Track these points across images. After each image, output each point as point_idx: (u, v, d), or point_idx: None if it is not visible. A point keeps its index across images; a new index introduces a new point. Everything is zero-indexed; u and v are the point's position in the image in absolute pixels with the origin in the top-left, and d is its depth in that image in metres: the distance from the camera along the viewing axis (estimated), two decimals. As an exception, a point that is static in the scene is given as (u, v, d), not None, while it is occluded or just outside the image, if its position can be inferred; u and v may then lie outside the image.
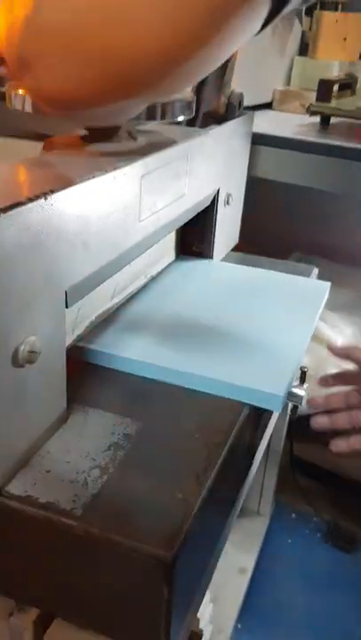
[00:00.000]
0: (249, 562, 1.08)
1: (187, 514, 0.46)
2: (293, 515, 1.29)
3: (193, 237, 0.88)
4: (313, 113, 1.00)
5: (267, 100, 1.25)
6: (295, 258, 1.43)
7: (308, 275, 0.92)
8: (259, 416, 0.66)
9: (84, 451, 0.51)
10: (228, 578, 1.03)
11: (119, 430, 0.54)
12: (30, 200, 0.42)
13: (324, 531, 1.24)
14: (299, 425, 1.14)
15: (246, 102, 1.04)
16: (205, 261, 0.88)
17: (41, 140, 0.66)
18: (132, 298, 0.74)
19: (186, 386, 0.60)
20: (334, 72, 1.21)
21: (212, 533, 0.57)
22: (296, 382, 0.67)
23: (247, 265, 0.90)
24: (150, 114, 0.58)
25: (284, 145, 0.98)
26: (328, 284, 0.84)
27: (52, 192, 0.45)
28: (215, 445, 0.53)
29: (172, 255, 0.87)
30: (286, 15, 0.40)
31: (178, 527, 0.44)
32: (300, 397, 0.68)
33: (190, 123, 0.79)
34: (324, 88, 0.96)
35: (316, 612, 1.07)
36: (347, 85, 1.03)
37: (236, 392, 0.59)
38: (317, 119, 1.04)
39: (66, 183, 0.47)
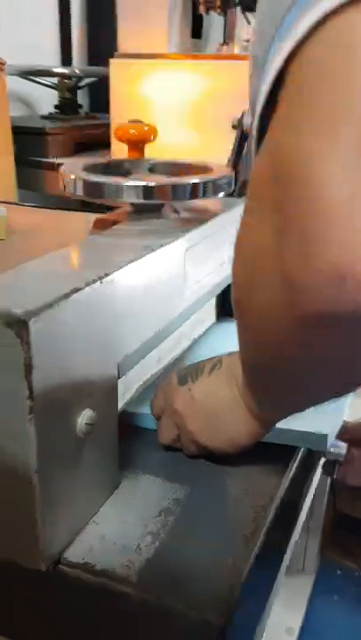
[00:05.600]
0: (296, 621, 1.07)
1: (237, 580, 0.47)
2: (339, 571, 1.27)
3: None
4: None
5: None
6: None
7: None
8: (303, 476, 0.67)
9: (136, 516, 0.53)
10: (276, 638, 1.02)
11: (169, 495, 0.56)
12: (87, 284, 0.46)
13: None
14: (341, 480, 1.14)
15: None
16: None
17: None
18: (177, 361, 0.77)
19: None
20: None
21: (262, 592, 0.59)
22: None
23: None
24: (194, 192, 0.62)
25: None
26: None
27: (107, 275, 0.48)
28: (261, 508, 0.55)
29: (212, 317, 0.90)
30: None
31: (229, 593, 0.46)
32: (341, 454, 0.69)
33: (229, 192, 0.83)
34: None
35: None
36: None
37: (284, 436, 0.60)
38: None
39: (117, 264, 0.51)
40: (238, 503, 0.55)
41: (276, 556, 0.64)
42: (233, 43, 1.27)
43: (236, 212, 0.75)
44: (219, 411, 0.56)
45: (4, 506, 0.47)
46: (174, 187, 0.61)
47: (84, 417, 0.48)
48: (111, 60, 1.34)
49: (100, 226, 0.66)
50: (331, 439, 0.61)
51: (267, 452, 0.61)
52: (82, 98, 1.66)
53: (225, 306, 0.92)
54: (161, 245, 0.57)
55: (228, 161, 0.88)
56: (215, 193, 0.63)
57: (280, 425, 0.58)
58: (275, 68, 0.33)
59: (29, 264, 0.50)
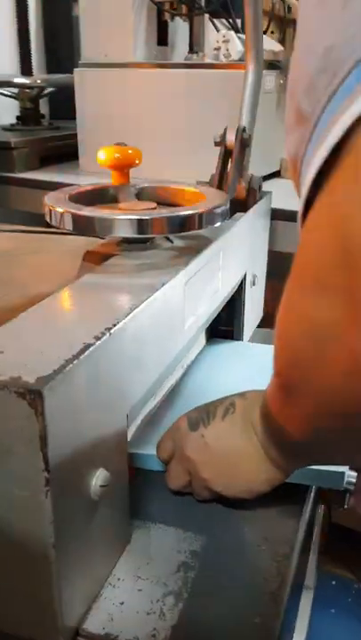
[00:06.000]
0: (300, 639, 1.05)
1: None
2: (334, 582, 1.26)
3: (221, 319, 0.89)
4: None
5: (275, 168, 1.27)
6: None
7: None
8: (314, 508, 0.65)
9: (153, 575, 0.50)
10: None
11: (185, 547, 0.53)
12: (97, 338, 0.43)
13: (366, 597, 1.21)
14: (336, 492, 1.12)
15: (259, 173, 1.05)
16: (236, 344, 0.88)
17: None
18: (171, 393, 0.73)
19: None
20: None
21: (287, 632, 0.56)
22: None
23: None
24: (190, 225, 0.59)
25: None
26: None
27: (114, 325, 0.45)
28: (283, 557, 0.52)
29: (202, 341, 0.87)
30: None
31: (263, 658, 0.44)
32: (352, 483, 0.67)
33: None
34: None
35: None
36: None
37: (300, 475, 0.58)
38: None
39: (123, 311, 0.47)
40: (259, 553, 0.53)
41: (297, 590, 0.61)
42: (203, 52, 1.24)
43: (228, 237, 0.72)
44: (236, 458, 0.53)
45: (18, 581, 0.43)
46: (169, 219, 0.58)
47: (98, 478, 0.45)
48: (75, 70, 1.29)
49: (92, 260, 0.63)
50: (346, 475, 0.59)
51: (279, 491, 0.59)
52: (41, 105, 1.60)
53: (213, 329, 0.89)
54: (163, 284, 0.54)
55: (212, 178, 0.85)
56: (211, 223, 0.60)
57: None
58: (336, 134, 0.30)
59: (29, 314, 0.47)
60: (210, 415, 0.56)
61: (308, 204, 0.34)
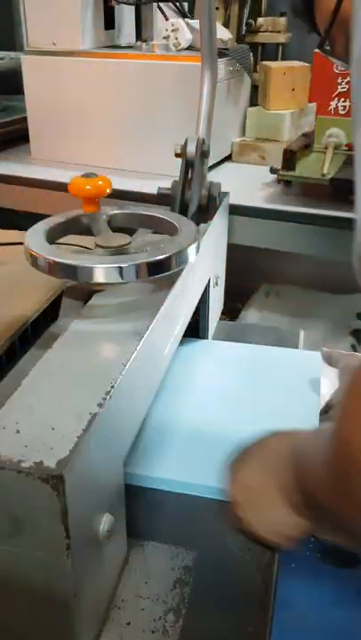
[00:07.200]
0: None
1: (261, 647, 0.52)
2: (293, 538, 1.36)
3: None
4: (280, 180, 1.06)
5: (227, 153, 1.30)
6: (265, 290, 1.50)
7: (296, 339, 0.98)
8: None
9: (153, 593, 0.57)
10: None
11: (178, 564, 0.60)
12: (100, 405, 0.47)
13: (322, 550, 1.32)
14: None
15: (211, 160, 1.08)
16: (204, 344, 0.93)
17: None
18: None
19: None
20: (287, 122, 1.28)
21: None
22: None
23: (237, 338, 0.96)
24: (168, 266, 0.62)
25: (256, 214, 1.04)
26: (318, 354, 0.90)
27: (113, 387, 0.49)
28: (266, 566, 0.60)
29: (172, 343, 0.92)
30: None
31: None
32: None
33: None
34: (289, 157, 1.02)
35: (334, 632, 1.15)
36: (306, 146, 1.09)
37: None
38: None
39: (117, 368, 0.51)
40: (244, 564, 0.60)
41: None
42: (152, 39, 1.23)
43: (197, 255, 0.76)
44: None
45: (40, 627, 0.49)
46: (149, 265, 0.60)
47: (105, 524, 0.50)
48: (24, 57, 1.27)
49: (74, 296, 0.66)
50: None
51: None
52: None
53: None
54: (147, 328, 0.58)
55: (174, 186, 0.88)
56: (187, 261, 0.64)
57: None
58: None
59: (33, 382, 0.50)
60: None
61: None
